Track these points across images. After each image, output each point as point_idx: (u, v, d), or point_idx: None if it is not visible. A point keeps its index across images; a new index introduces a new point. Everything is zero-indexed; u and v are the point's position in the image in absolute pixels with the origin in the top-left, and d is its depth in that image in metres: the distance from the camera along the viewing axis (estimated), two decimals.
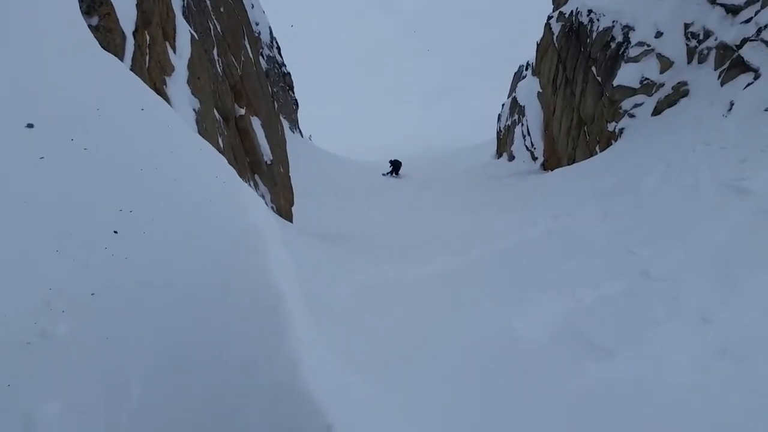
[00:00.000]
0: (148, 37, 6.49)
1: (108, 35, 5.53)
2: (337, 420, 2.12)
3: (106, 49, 4.83)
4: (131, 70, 5.43)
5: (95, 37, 4.87)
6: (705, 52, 12.26)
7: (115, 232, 3.15)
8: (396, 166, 28.73)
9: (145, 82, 5.12)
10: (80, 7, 4.95)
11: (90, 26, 5.09)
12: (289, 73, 36.55)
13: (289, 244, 4.57)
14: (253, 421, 2.22)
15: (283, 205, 12.82)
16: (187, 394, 2.45)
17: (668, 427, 4.34)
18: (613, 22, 14.92)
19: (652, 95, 13.37)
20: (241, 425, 2.25)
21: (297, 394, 2.19)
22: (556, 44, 18.61)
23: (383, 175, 28.49)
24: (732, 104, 10.23)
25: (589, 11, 16.06)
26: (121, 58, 5.58)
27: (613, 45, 14.70)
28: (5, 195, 3.09)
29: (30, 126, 3.49)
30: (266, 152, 11.97)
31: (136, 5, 6.20)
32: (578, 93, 16.44)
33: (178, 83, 7.00)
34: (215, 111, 8.83)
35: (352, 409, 2.45)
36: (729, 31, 11.66)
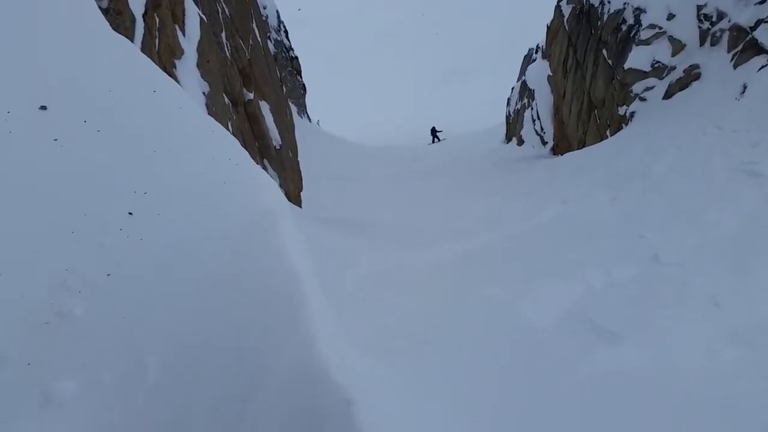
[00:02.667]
0: (157, 20, 6.47)
1: (118, 18, 5.52)
2: (356, 396, 2.13)
3: (116, 32, 4.82)
4: (141, 51, 5.42)
5: (106, 19, 4.86)
6: (718, 34, 12.09)
7: (130, 213, 3.17)
8: (434, 133, 33.96)
9: (154, 64, 5.12)
10: None
11: (100, 8, 5.08)
12: (296, 57, 36.36)
13: (301, 227, 4.58)
14: (273, 399, 2.24)
15: (291, 190, 12.82)
16: (205, 375, 2.48)
17: (679, 412, 4.35)
18: (624, 4, 14.73)
19: (663, 78, 13.21)
20: (260, 403, 2.27)
21: (315, 372, 2.21)
22: (567, 27, 18.41)
23: (429, 144, 33.49)
24: (745, 87, 10.10)
25: None
26: (131, 41, 5.57)
27: (624, 27, 14.52)
28: (20, 177, 3.10)
29: (43, 108, 3.49)
30: (275, 137, 11.96)
31: None
32: (589, 76, 16.28)
33: (187, 66, 6.99)
34: (224, 95, 8.82)
35: (370, 387, 2.47)
36: (743, 13, 11.48)
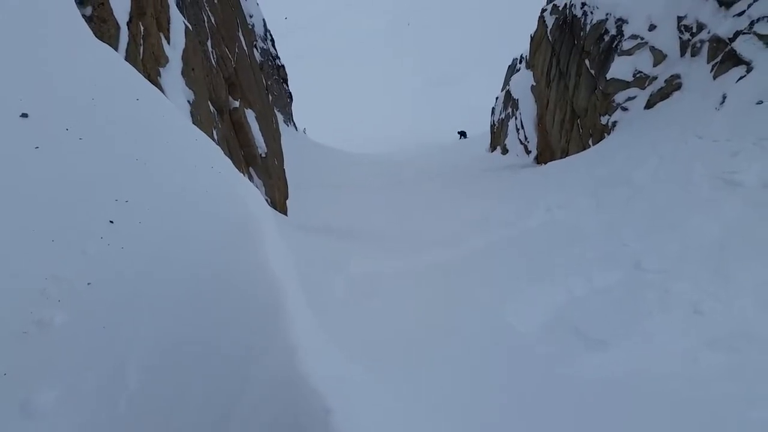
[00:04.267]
0: (142, 28, 6.45)
1: (102, 25, 5.49)
2: (335, 404, 2.13)
3: (100, 40, 4.80)
4: (125, 60, 5.40)
5: (89, 27, 4.84)
6: (698, 45, 12.28)
7: (111, 222, 3.15)
8: (463, 134, 42.02)
9: (139, 72, 5.10)
10: None
11: (84, 16, 5.05)
12: (283, 66, 36.41)
13: (285, 235, 4.58)
14: (253, 406, 2.24)
15: (277, 198, 12.80)
16: (186, 382, 2.47)
17: (661, 415, 4.40)
18: (607, 14, 14.93)
19: (645, 88, 13.39)
20: (241, 411, 2.26)
21: (296, 381, 2.21)
22: (550, 37, 18.60)
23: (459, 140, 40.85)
24: (724, 97, 10.27)
25: (583, 4, 16.06)
26: (116, 49, 5.55)
27: (606, 38, 14.71)
28: (1, 184, 3.08)
29: (24, 116, 3.47)
30: (261, 145, 11.94)
31: None
32: (572, 86, 16.45)
33: (172, 74, 6.97)
34: (209, 103, 8.80)
35: (349, 394, 2.47)
36: (722, 24, 11.67)
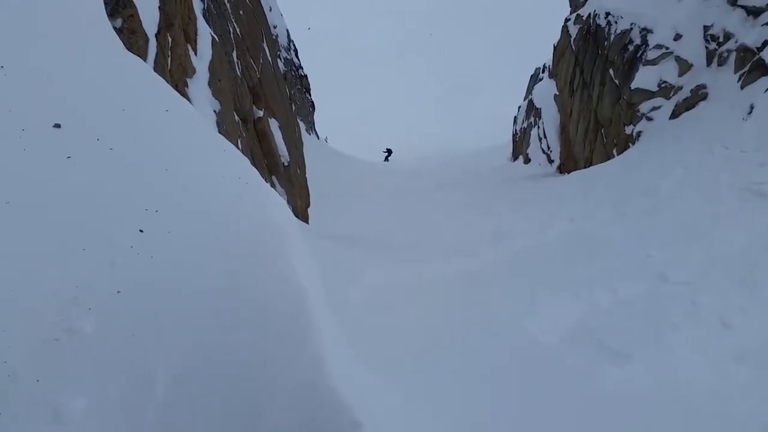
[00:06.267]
0: (170, 39, 6.58)
1: (131, 37, 5.61)
2: (364, 418, 2.14)
3: (129, 51, 4.91)
4: (154, 71, 5.51)
5: (119, 38, 4.96)
6: (725, 54, 12.13)
7: (141, 231, 3.21)
8: (389, 152, 38.84)
9: (167, 82, 5.20)
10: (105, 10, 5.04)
11: (114, 28, 5.17)
12: (306, 76, 36.67)
13: (309, 245, 4.61)
14: (280, 417, 2.26)
15: (299, 206, 12.89)
16: (213, 391, 2.50)
17: (686, 430, 4.33)
18: (631, 24, 14.81)
19: (670, 98, 13.24)
20: (268, 421, 2.28)
21: (323, 392, 2.22)
22: (573, 47, 18.50)
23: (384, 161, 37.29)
24: (752, 107, 10.11)
25: (607, 14, 15.96)
26: (144, 60, 5.67)
27: (630, 47, 14.58)
28: (34, 194, 3.16)
29: (57, 126, 3.56)
30: (283, 154, 12.05)
31: (159, 7, 6.29)
32: (595, 96, 16.33)
33: (199, 85, 7.09)
34: (234, 113, 8.92)
35: (376, 407, 2.48)
36: (750, 33, 11.52)
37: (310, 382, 2.31)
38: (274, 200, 3.92)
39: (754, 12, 11.65)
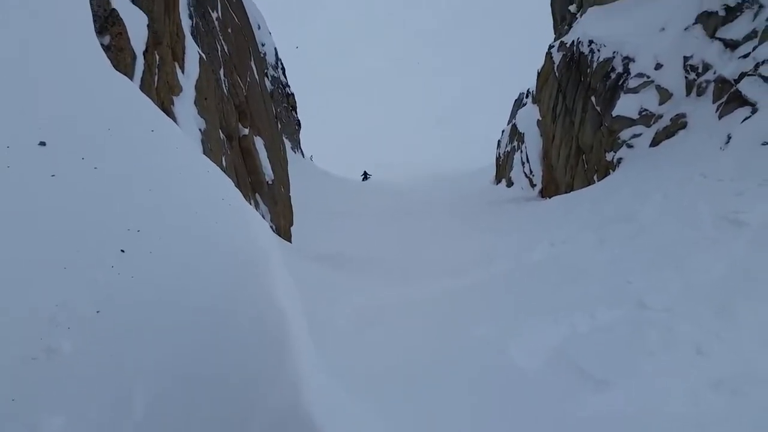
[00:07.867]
0: (157, 57, 6.60)
1: (119, 54, 5.63)
2: None
3: (116, 68, 4.92)
4: (140, 89, 5.53)
5: (107, 56, 4.97)
6: (704, 85, 12.44)
7: (123, 251, 3.20)
8: (365, 175, 44.83)
9: (153, 101, 5.22)
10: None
11: (102, 45, 5.19)
12: (292, 94, 36.86)
13: (291, 265, 4.62)
14: None
15: (282, 224, 12.87)
16: (192, 411, 2.49)
17: None
18: (614, 53, 15.15)
19: (650, 126, 13.52)
20: None
21: (300, 418, 2.23)
22: (557, 73, 18.84)
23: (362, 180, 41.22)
24: (729, 137, 10.37)
25: (590, 41, 16.31)
26: (131, 78, 5.68)
27: (612, 75, 14.90)
28: (17, 211, 3.14)
29: (42, 144, 3.55)
30: (268, 172, 12.07)
31: (148, 25, 6.32)
32: (577, 122, 16.62)
33: (185, 103, 7.10)
34: (219, 130, 8.93)
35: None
36: (727, 65, 11.85)
37: (288, 407, 2.32)
38: (257, 222, 3.94)
39: (731, 45, 11.99)
